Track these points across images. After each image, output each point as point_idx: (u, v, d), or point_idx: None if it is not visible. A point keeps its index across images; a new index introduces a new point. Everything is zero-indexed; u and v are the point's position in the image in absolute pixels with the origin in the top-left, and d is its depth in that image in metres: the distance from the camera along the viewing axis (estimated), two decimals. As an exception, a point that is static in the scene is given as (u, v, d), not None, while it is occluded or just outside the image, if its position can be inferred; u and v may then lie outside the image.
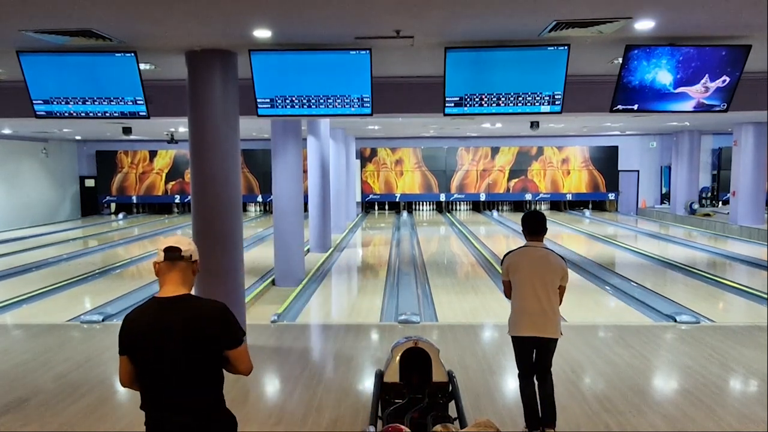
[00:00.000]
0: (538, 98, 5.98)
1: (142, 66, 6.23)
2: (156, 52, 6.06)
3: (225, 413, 2.47)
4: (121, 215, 23.28)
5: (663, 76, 5.80)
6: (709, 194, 21.96)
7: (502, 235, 17.10)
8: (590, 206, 24.09)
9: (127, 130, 13.87)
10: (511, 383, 5.09)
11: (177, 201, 23.86)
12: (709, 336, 6.55)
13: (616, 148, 23.07)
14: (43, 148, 20.90)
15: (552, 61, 5.74)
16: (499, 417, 4.45)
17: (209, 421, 2.39)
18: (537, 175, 23.35)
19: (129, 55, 5.80)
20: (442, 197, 23.58)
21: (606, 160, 23.13)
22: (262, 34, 5.34)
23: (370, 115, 6.12)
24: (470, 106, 6.04)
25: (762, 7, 4.59)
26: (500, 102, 6.01)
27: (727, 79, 5.78)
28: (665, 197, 22.93)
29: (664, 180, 23.12)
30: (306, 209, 13.00)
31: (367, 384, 5.17)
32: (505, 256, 4.18)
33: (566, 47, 5.60)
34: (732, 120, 15.97)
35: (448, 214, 22.89)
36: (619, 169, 23.17)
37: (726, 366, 5.63)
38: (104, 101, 6.17)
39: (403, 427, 2.63)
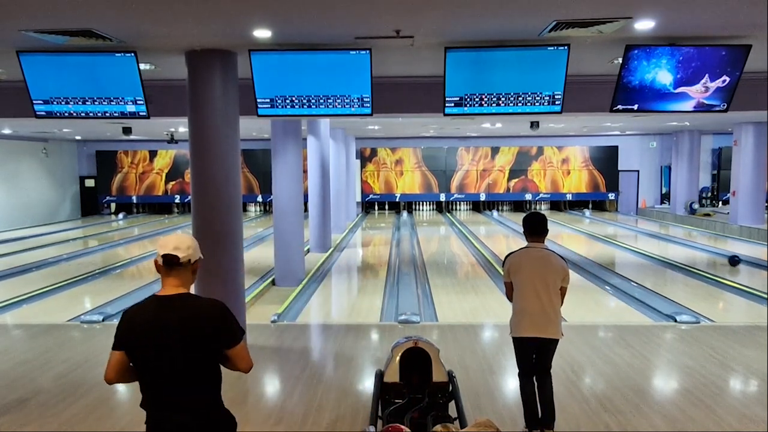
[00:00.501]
0: (538, 98, 5.98)
1: (142, 66, 6.23)
2: (156, 52, 6.06)
3: (224, 413, 2.48)
4: (121, 215, 23.28)
5: (663, 76, 5.79)
6: (709, 194, 21.96)
7: (502, 235, 17.10)
8: (590, 206, 24.09)
9: (127, 130, 13.88)
10: (511, 383, 5.09)
11: (177, 201, 23.86)
12: (709, 336, 6.55)
13: (616, 148, 23.07)
14: (43, 148, 20.90)
15: (552, 61, 5.74)
16: (499, 417, 4.45)
17: (208, 420, 2.40)
18: (537, 175, 23.35)
19: (129, 55, 5.79)
20: (442, 197, 23.59)
21: (606, 160, 23.13)
22: (262, 34, 5.34)
23: (370, 115, 6.12)
24: (470, 106, 6.04)
25: (762, 7, 4.59)
26: (500, 102, 6.01)
27: (727, 79, 5.78)
28: (665, 197, 22.94)
29: (664, 180, 23.12)
30: (306, 209, 13.01)
31: (367, 384, 5.17)
32: (506, 257, 4.19)
33: (566, 47, 5.60)
34: (732, 120, 15.98)
35: (448, 214, 22.89)
36: (619, 169, 23.17)
37: (726, 366, 5.63)
38: (104, 101, 6.17)
39: (403, 427, 2.63)
